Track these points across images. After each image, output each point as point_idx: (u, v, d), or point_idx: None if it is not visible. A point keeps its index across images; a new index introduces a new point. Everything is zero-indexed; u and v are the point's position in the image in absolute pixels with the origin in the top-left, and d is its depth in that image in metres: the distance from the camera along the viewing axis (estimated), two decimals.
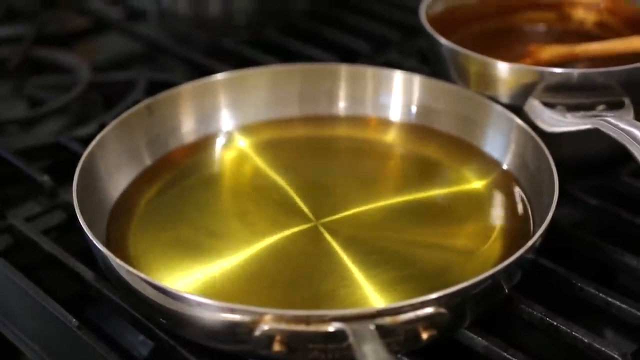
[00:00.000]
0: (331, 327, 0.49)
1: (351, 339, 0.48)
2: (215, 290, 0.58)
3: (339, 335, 0.49)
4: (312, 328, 0.49)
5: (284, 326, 0.50)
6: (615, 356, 0.56)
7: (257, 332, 0.50)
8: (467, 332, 0.57)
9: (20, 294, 0.62)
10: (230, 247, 0.62)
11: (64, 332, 0.59)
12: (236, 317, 0.50)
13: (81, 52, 0.98)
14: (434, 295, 0.50)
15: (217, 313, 0.51)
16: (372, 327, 0.49)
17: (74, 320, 0.59)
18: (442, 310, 0.51)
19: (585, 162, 0.72)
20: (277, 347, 0.50)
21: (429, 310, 0.50)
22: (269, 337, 0.50)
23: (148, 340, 0.60)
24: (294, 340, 0.50)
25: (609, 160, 0.73)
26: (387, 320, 0.50)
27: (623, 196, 0.73)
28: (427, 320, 0.51)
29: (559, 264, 0.63)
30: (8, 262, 0.64)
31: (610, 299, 0.60)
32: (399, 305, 0.50)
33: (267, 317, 0.50)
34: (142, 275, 0.53)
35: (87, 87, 0.89)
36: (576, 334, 0.57)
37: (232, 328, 0.51)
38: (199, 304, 0.51)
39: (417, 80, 0.74)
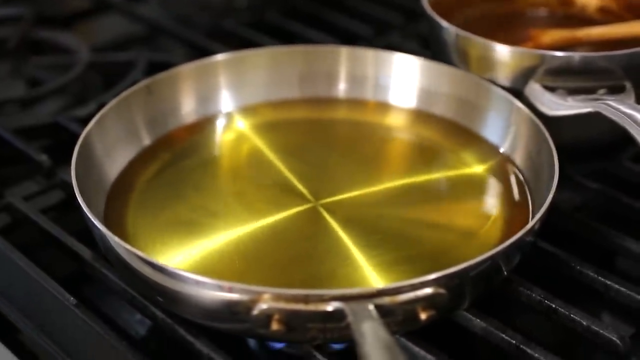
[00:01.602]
0: (330, 307, 0.49)
1: (350, 319, 0.48)
2: (213, 269, 0.58)
3: (338, 314, 0.49)
4: (311, 307, 0.49)
5: (282, 305, 0.49)
6: (614, 339, 0.56)
7: (255, 311, 0.50)
8: (466, 313, 0.57)
9: (18, 273, 0.62)
10: (229, 227, 0.61)
11: (61, 310, 0.59)
12: (234, 295, 0.50)
13: (81, 33, 0.98)
14: (433, 276, 0.50)
15: (215, 291, 0.51)
16: (371, 307, 0.49)
17: (72, 298, 0.59)
18: (441, 290, 0.51)
19: (585, 146, 0.72)
20: (275, 326, 0.50)
21: (428, 290, 0.50)
22: (267, 316, 0.50)
23: (145, 319, 0.60)
24: (292, 320, 0.50)
25: (610, 144, 0.72)
26: (386, 300, 0.49)
27: (623, 180, 0.73)
28: (426, 301, 0.50)
29: (558, 247, 0.63)
30: (6, 241, 0.64)
31: (609, 283, 0.60)
32: (398, 285, 0.50)
33: (266, 296, 0.50)
34: (140, 253, 0.53)
35: (87, 67, 0.89)
36: (575, 317, 0.57)
37: (230, 307, 0.51)
38: (197, 282, 0.51)
39: (417, 63, 0.74)
